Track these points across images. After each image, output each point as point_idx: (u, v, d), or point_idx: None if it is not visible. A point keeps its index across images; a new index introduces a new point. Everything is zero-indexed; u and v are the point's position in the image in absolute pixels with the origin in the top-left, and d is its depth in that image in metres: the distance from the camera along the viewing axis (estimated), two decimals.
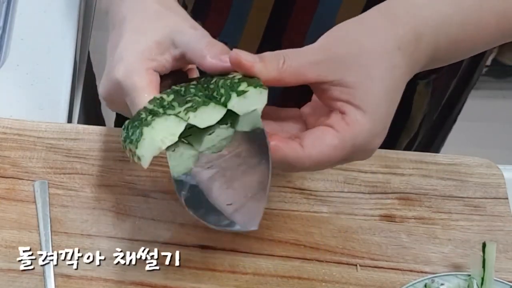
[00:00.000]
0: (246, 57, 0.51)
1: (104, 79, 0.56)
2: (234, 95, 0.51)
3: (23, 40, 0.81)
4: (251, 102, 0.51)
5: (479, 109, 1.69)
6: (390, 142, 0.83)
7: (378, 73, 0.51)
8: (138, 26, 0.57)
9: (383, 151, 0.72)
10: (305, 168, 0.52)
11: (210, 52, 0.54)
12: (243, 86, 0.51)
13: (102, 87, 0.57)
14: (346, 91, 0.51)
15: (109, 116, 1.25)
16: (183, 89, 0.54)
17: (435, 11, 0.53)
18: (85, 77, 0.87)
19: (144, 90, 0.54)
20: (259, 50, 0.76)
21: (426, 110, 0.85)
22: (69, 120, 0.77)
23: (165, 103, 0.52)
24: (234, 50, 0.52)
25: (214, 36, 0.78)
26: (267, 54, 0.52)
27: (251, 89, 0.51)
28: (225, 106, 0.51)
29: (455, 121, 0.95)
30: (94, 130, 0.70)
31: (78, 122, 0.82)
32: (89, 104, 0.92)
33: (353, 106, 0.50)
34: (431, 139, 0.94)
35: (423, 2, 0.53)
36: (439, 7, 0.53)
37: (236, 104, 0.51)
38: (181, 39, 0.55)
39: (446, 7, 0.54)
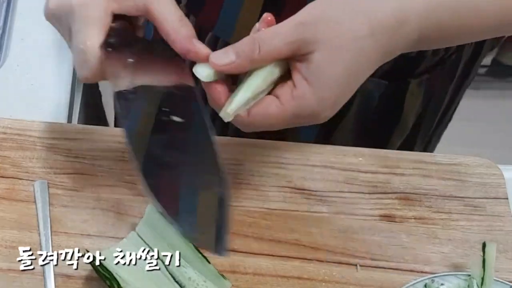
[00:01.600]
0: (219, 59, 0.54)
1: None
2: None
3: (23, 40, 0.81)
4: None
5: (479, 109, 1.70)
6: (381, 142, 0.83)
7: (341, 57, 0.53)
8: None
9: (383, 151, 0.72)
10: (247, 129, 0.56)
11: (180, 31, 0.56)
12: None
13: (52, 1, 0.56)
14: (307, 67, 0.53)
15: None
16: None
17: None
18: None
19: (95, 26, 0.54)
20: None
21: (419, 111, 0.85)
22: (69, 120, 0.77)
23: None
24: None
25: (207, 30, 0.78)
26: (242, 43, 0.54)
27: None
28: None
29: (450, 120, 0.95)
30: (94, 130, 0.70)
31: (78, 122, 0.82)
32: (89, 103, 0.92)
33: (307, 82, 0.53)
34: (431, 141, 0.93)
35: None
36: None
37: None
38: None
39: None
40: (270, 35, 0.54)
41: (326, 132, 0.81)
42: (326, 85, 0.53)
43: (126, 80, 0.56)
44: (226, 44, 0.56)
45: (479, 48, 0.81)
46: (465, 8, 0.55)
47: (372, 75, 0.57)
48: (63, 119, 0.75)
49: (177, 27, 0.56)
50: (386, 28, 0.53)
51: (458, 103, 0.92)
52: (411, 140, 0.88)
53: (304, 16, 0.54)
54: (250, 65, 0.54)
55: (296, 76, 0.54)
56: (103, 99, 1.16)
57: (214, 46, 0.79)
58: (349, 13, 0.53)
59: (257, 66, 0.54)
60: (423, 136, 0.89)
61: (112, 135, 0.70)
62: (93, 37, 0.54)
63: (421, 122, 0.86)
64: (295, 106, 0.54)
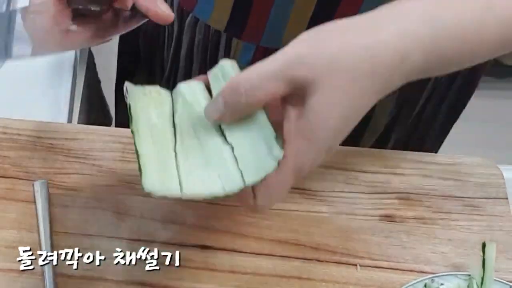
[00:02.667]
0: (211, 113, 0.50)
1: None
2: None
3: None
4: None
5: (479, 109, 1.69)
6: (351, 141, 0.82)
7: (339, 101, 0.47)
8: None
9: (383, 151, 0.72)
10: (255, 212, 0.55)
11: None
12: None
13: None
14: (301, 116, 0.48)
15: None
16: None
17: (431, 27, 0.49)
18: (85, 77, 0.87)
19: None
20: None
21: (394, 112, 0.83)
22: (69, 120, 0.77)
23: None
24: None
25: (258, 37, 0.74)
26: (226, 88, 0.49)
27: None
28: None
29: (453, 122, 0.93)
30: (94, 130, 0.70)
31: (78, 122, 0.82)
32: (89, 103, 0.92)
33: (301, 136, 0.48)
34: (409, 142, 0.91)
35: (419, 18, 0.49)
36: (436, 23, 0.49)
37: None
38: None
39: (446, 22, 0.49)
40: (255, 75, 0.48)
41: None
42: (321, 138, 0.48)
43: None
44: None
45: None
46: (470, 38, 0.51)
47: None
48: (63, 119, 0.76)
49: None
50: (387, 67, 0.48)
51: (461, 106, 0.90)
52: (384, 139, 0.87)
53: (298, 49, 0.47)
54: (237, 114, 0.49)
55: (288, 129, 0.48)
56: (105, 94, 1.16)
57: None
58: (348, 47, 0.47)
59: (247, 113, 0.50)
60: (396, 136, 0.88)
61: (112, 135, 0.70)
62: None
63: (394, 123, 0.85)
64: (293, 167, 0.49)
